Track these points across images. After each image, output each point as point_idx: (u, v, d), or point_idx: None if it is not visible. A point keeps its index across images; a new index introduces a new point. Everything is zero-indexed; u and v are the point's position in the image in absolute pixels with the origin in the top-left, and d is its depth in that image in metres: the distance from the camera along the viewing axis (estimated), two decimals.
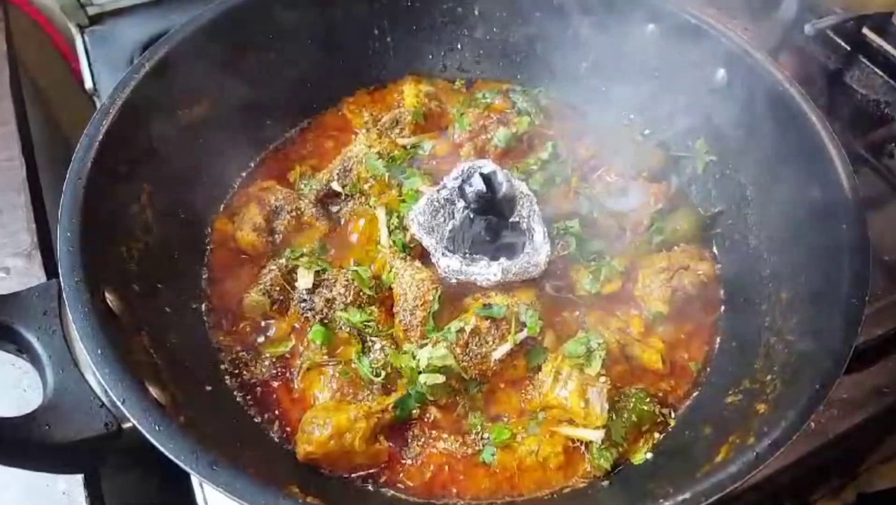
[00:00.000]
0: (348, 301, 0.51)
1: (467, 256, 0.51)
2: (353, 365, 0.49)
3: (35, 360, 0.39)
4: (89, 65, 0.72)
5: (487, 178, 0.53)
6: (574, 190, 0.57)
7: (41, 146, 0.69)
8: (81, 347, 0.38)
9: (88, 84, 0.70)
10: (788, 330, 0.46)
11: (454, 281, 0.51)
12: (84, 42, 0.73)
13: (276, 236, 0.55)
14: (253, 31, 0.58)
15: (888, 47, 0.73)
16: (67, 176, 0.45)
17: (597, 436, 0.47)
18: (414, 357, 0.48)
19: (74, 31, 0.75)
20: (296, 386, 0.50)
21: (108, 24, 0.74)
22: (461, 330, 0.48)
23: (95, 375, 0.38)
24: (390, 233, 0.54)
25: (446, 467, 0.47)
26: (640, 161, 0.60)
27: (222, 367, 0.50)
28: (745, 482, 0.38)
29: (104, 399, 0.37)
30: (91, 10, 0.75)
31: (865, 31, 0.74)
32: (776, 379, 0.44)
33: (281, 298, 0.52)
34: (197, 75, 0.55)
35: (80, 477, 0.46)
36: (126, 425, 0.37)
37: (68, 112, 0.81)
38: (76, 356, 0.39)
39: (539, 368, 0.49)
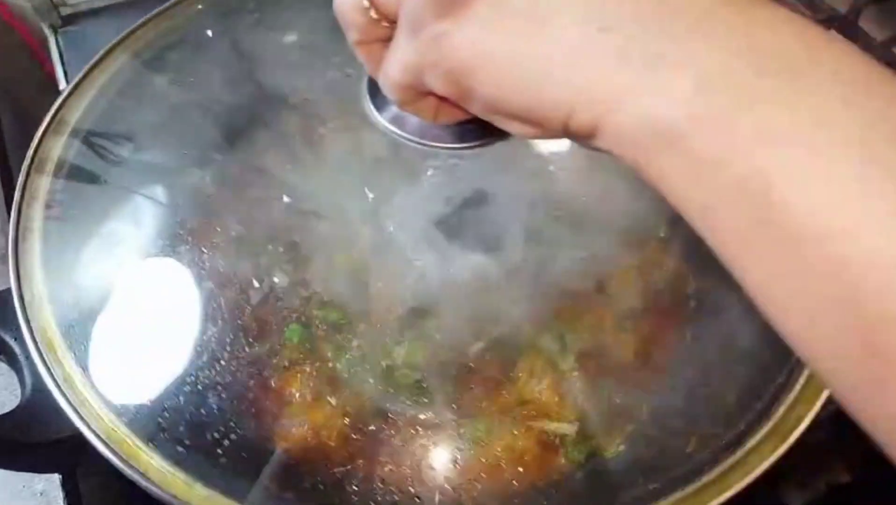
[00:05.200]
0: (325, 299, 0.51)
1: (444, 252, 0.52)
2: (329, 363, 0.50)
3: (12, 360, 0.39)
4: (63, 67, 0.71)
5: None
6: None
7: (13, 149, 0.69)
8: None
9: (62, 85, 0.70)
10: (758, 323, 0.47)
11: (431, 281, 0.51)
12: (57, 43, 0.73)
13: None
14: None
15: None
16: None
17: (570, 429, 0.47)
18: (391, 354, 0.49)
19: (47, 31, 0.74)
20: (273, 384, 0.50)
21: (82, 24, 0.74)
22: (437, 327, 0.49)
23: None
24: (363, 234, 0.55)
25: (422, 463, 0.48)
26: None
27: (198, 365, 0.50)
28: (713, 472, 0.39)
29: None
30: (64, 11, 0.74)
31: (833, 33, 0.76)
32: (746, 370, 0.45)
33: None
34: None
35: (57, 478, 0.46)
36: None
37: (41, 114, 0.81)
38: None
39: (514, 364, 0.50)
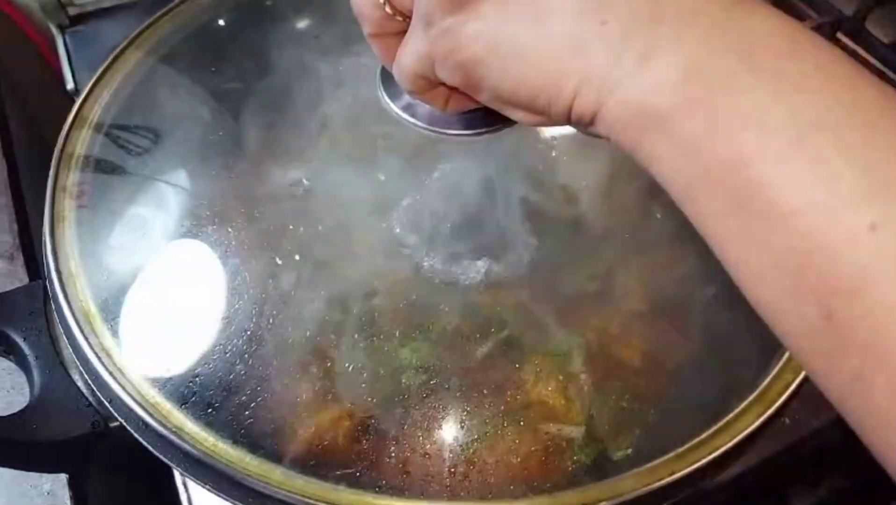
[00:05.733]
0: (332, 298, 0.51)
1: (450, 255, 0.52)
2: (335, 365, 0.50)
3: (21, 360, 0.40)
4: (70, 66, 0.71)
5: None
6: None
7: (20, 147, 0.69)
8: (68, 348, 0.39)
9: (69, 85, 0.70)
10: (764, 326, 0.48)
11: (437, 281, 0.52)
12: (65, 42, 0.73)
13: None
14: None
15: (862, 52, 0.74)
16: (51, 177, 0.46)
17: (577, 432, 0.47)
18: (396, 356, 0.49)
19: (55, 31, 0.74)
20: (279, 386, 0.50)
21: (90, 24, 0.74)
22: (443, 330, 0.49)
23: (82, 375, 0.38)
24: (377, 220, 0.55)
25: (428, 465, 0.48)
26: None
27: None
28: (720, 475, 0.39)
29: (91, 399, 0.38)
30: (72, 11, 0.74)
31: (840, 36, 0.76)
32: (752, 375, 0.45)
33: None
34: None
35: (64, 478, 0.46)
36: (113, 424, 0.37)
37: (48, 113, 0.81)
38: (62, 356, 0.39)
39: (520, 367, 0.50)
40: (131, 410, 0.37)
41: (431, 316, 0.51)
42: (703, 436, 0.42)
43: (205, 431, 0.39)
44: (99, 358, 0.39)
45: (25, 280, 0.54)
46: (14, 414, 0.37)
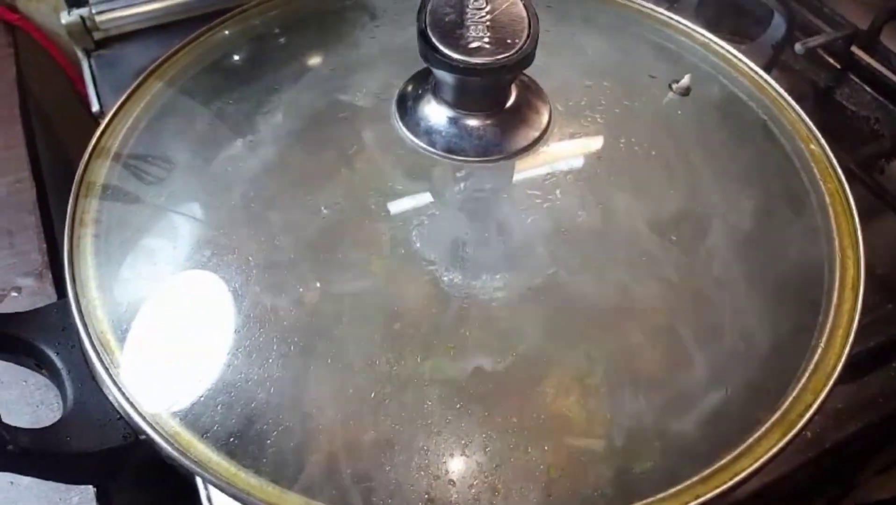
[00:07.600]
0: (353, 314, 0.51)
1: (470, 269, 0.52)
2: (357, 390, 0.50)
3: (54, 374, 0.41)
4: (95, 88, 0.73)
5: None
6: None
7: (48, 168, 0.70)
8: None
9: (95, 107, 0.72)
10: (783, 344, 0.48)
11: (458, 294, 0.52)
12: (90, 66, 0.75)
13: None
14: None
15: (877, 65, 0.75)
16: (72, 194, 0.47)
17: (599, 445, 0.47)
18: (418, 369, 0.49)
19: (81, 55, 0.76)
20: (301, 414, 0.50)
21: (115, 48, 0.76)
22: (465, 342, 0.49)
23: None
24: (395, 245, 0.55)
25: (451, 477, 0.48)
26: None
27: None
28: (742, 488, 0.39)
29: (122, 411, 0.39)
30: (97, 35, 0.76)
31: (854, 49, 0.76)
32: (772, 389, 0.45)
33: None
34: None
35: (92, 490, 0.47)
36: (143, 437, 0.38)
37: (74, 135, 0.83)
38: (94, 370, 0.40)
39: (542, 379, 0.50)
40: (151, 439, 0.38)
41: (452, 330, 0.52)
42: (725, 460, 0.42)
43: (226, 461, 0.39)
44: (118, 386, 0.39)
45: (54, 297, 0.56)
46: (50, 426, 0.38)
